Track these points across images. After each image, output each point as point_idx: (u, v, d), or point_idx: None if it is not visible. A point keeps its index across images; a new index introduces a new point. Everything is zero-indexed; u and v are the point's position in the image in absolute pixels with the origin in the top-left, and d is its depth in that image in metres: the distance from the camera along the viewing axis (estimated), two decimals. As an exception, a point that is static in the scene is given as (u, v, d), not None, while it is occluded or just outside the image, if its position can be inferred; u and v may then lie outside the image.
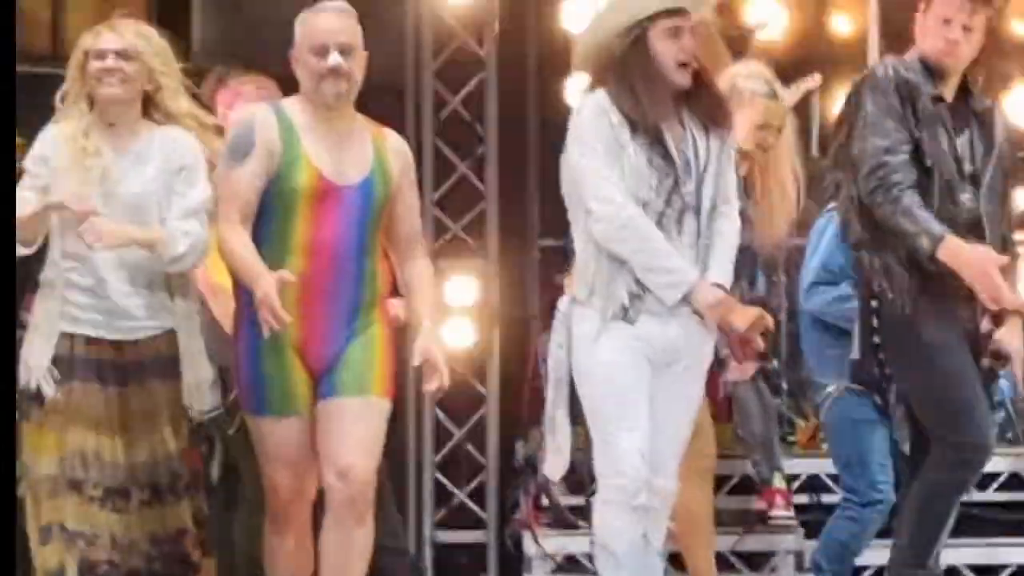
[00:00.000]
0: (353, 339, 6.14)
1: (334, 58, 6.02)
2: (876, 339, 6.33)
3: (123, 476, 6.08)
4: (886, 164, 6.14)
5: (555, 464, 6.28)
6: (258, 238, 6.12)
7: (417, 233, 6.34)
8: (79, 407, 6.02)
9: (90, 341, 6.02)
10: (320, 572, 6.19)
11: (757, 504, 8.73)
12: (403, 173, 6.23)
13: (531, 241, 9.78)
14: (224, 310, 6.44)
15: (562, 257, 7.12)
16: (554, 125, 8.07)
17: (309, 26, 6.20)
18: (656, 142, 5.96)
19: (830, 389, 7.43)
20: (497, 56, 10.06)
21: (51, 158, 6.14)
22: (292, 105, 6.16)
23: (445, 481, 9.98)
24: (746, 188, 7.16)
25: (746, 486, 8.66)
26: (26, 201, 5.97)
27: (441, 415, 9.93)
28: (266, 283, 5.67)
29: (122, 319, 6.08)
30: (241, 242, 5.90)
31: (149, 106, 6.19)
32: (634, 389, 5.90)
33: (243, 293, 5.99)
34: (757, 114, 7.15)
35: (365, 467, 5.96)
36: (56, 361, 6.01)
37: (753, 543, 8.29)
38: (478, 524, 10.00)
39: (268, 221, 6.09)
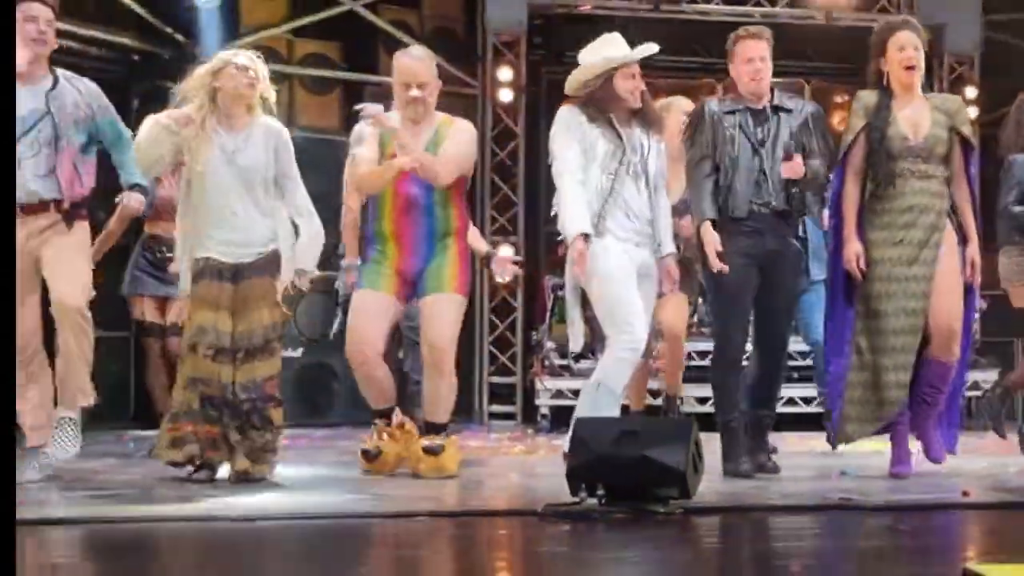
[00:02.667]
0: (433, 258, 6.90)
1: (414, 92, 6.86)
2: None
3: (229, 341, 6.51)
4: None
5: (575, 342, 7.12)
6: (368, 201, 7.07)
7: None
8: (204, 296, 6.54)
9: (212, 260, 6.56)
10: (425, 404, 7.03)
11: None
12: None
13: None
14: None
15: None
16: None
17: (398, 66, 7.01)
18: (610, 129, 6.77)
19: None
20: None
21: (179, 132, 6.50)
22: (392, 113, 6.93)
23: (496, 352, 12.28)
24: None
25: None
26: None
27: (493, 317, 12.29)
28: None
29: (241, 247, 6.59)
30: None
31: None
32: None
33: (367, 227, 7.08)
34: None
35: (446, 341, 6.89)
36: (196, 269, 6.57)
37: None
38: (513, 373, 12.33)
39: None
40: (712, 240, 6.60)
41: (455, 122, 7.04)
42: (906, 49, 6.65)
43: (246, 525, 5.23)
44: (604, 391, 6.65)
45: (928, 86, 6.93)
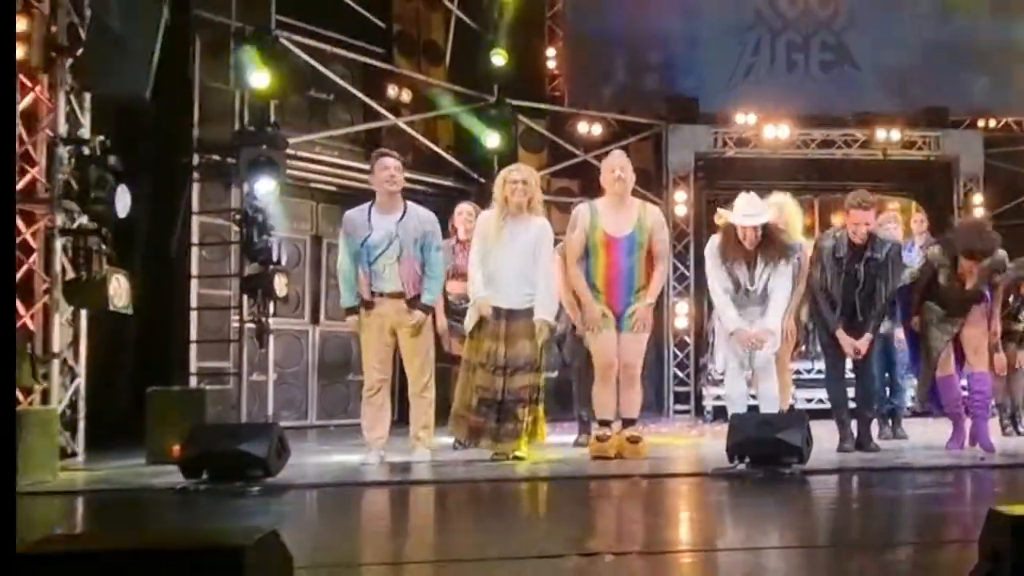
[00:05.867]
0: (630, 305, 6.21)
1: (617, 172, 6.11)
2: None
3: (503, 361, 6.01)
4: None
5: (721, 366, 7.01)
6: (586, 264, 6.20)
7: (661, 257, 6.24)
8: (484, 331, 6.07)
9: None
10: (626, 406, 6.25)
11: None
12: (654, 229, 6.16)
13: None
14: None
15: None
16: None
17: (607, 161, 6.31)
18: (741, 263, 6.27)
19: None
20: None
21: (482, 229, 6.14)
22: (597, 201, 6.30)
23: (677, 371, 11.93)
24: None
25: None
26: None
27: (676, 349, 11.90)
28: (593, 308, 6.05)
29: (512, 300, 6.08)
30: (576, 273, 6.13)
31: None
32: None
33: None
34: None
35: (639, 365, 6.30)
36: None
37: None
38: (688, 384, 11.83)
39: (590, 256, 6.22)
40: (848, 340, 6.32)
41: (648, 207, 6.32)
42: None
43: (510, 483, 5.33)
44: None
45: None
